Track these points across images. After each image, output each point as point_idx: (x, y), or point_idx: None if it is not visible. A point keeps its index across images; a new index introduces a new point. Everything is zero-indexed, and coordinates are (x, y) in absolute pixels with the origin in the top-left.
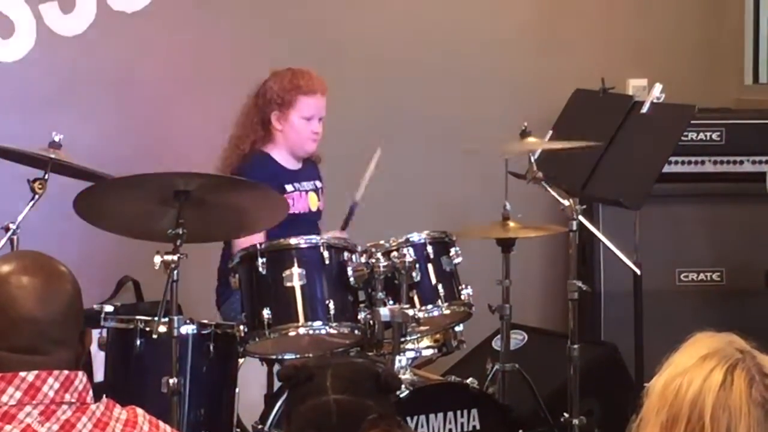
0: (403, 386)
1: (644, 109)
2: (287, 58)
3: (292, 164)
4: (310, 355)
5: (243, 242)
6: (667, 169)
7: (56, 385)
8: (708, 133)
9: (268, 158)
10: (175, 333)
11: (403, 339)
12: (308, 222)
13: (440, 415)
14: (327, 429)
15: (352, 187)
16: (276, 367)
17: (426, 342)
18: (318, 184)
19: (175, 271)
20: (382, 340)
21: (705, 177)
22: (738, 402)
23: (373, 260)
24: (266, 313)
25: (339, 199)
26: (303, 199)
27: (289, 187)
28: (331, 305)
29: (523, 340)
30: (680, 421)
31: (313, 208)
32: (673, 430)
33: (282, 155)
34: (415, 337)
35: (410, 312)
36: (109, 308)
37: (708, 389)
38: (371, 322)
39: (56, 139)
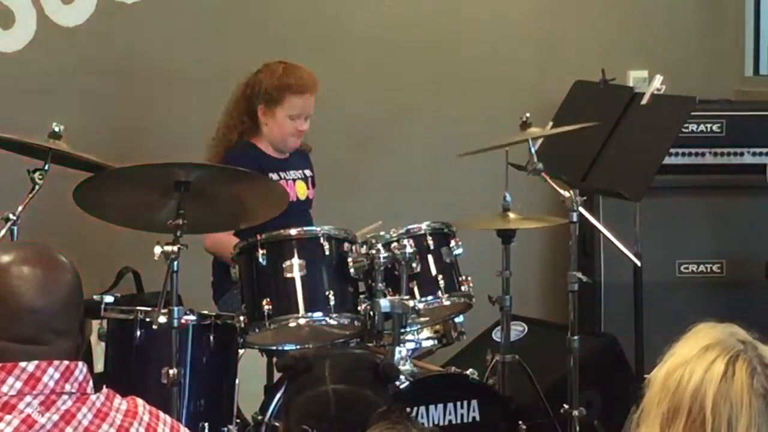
0: (403, 377)
1: (644, 101)
2: (286, 51)
3: (278, 154)
4: (310, 346)
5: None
6: (667, 160)
7: (56, 376)
8: (708, 125)
9: (253, 147)
10: (175, 324)
11: (403, 330)
12: (297, 211)
13: (440, 406)
14: (325, 419)
15: (353, 182)
16: (276, 358)
17: (426, 333)
18: (307, 173)
19: (175, 262)
20: (382, 331)
21: (705, 169)
22: (739, 393)
23: (374, 251)
24: (266, 304)
25: (340, 195)
26: (290, 187)
27: (273, 176)
28: (332, 296)
29: (524, 332)
30: (681, 412)
31: (302, 197)
32: (674, 421)
33: (268, 147)
34: (415, 328)
35: (410, 303)
36: (109, 299)
37: (709, 380)
38: (371, 313)
39: (56, 129)
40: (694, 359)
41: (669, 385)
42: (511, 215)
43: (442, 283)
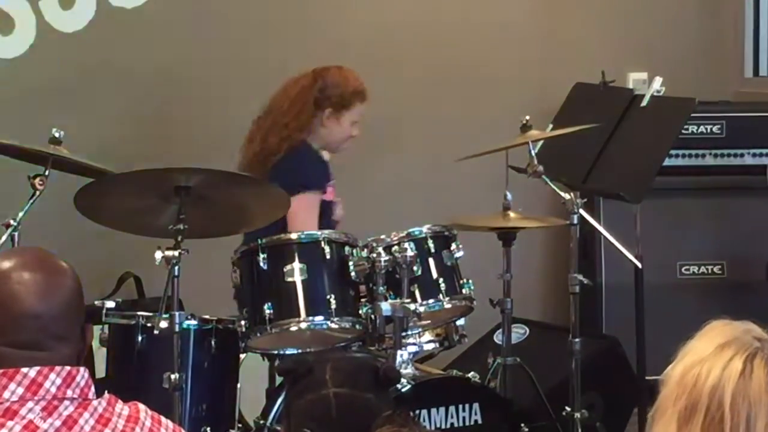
0: (404, 380)
1: (644, 103)
2: (287, 53)
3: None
4: (312, 349)
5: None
6: (667, 162)
7: (58, 381)
8: (708, 126)
9: (317, 152)
10: (177, 328)
11: (404, 333)
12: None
13: (442, 409)
14: (327, 422)
15: (353, 184)
16: (277, 362)
17: (427, 336)
18: None
19: (177, 267)
20: (383, 334)
21: (705, 170)
22: (758, 391)
23: (374, 255)
24: (267, 308)
25: (340, 197)
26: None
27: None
28: (333, 300)
29: (525, 334)
30: (699, 409)
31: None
32: (692, 418)
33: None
34: (416, 331)
35: (411, 306)
36: (110, 304)
37: (728, 378)
38: (372, 316)
39: (56, 135)
40: (711, 357)
41: (686, 383)
42: (512, 214)
43: (443, 286)
